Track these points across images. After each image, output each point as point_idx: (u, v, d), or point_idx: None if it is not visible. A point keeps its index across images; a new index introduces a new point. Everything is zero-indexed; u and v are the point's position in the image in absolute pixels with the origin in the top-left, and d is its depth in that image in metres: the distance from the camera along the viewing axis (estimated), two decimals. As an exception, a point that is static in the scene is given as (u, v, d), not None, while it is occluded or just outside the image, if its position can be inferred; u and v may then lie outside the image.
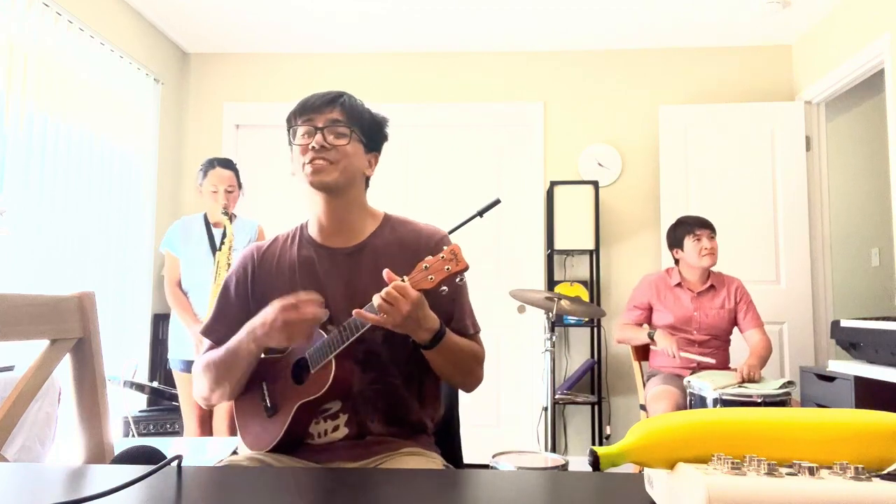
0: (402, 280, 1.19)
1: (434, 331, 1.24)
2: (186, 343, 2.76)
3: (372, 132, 1.39)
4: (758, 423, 0.66)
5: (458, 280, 1.23)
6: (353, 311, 1.19)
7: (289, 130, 1.38)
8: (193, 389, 1.41)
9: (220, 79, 4.24)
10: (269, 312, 1.22)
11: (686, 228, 3.00)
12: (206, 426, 2.79)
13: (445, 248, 1.20)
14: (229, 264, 2.66)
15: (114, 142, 3.42)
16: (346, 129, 1.33)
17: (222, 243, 2.70)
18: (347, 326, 1.23)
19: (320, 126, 1.31)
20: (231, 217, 2.80)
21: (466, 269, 1.19)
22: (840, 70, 3.48)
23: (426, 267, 1.19)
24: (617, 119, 4.09)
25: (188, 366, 2.76)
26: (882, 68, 3.23)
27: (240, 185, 2.88)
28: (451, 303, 1.36)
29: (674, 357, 2.81)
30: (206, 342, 1.42)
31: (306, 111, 1.33)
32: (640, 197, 4.04)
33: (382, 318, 1.17)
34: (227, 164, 2.85)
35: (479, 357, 1.39)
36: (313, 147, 1.29)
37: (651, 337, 2.93)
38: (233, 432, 2.78)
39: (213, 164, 2.82)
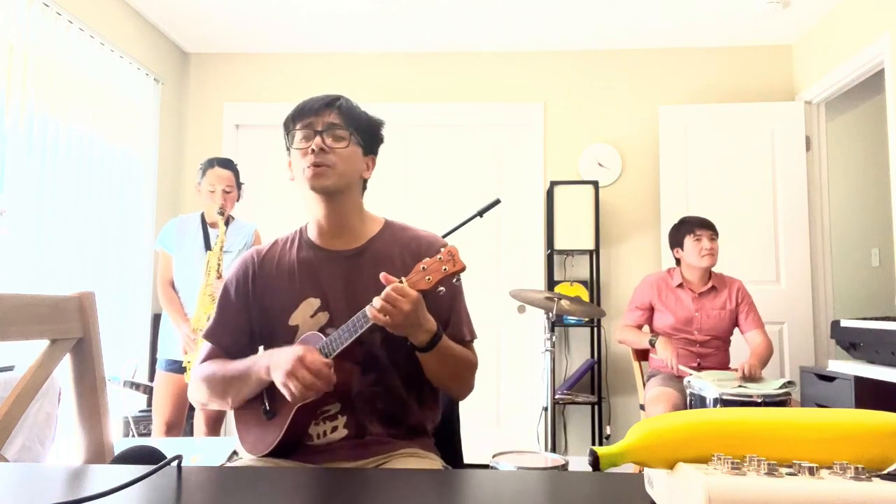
0: (401, 281, 1.19)
1: (433, 332, 1.24)
2: (175, 342, 2.73)
3: (369, 134, 1.39)
4: (758, 423, 0.66)
5: (454, 281, 1.23)
6: (367, 308, 1.19)
7: (286, 135, 1.37)
8: (191, 393, 1.40)
9: (220, 79, 4.24)
10: (292, 355, 1.19)
11: (687, 228, 3.00)
12: (174, 430, 2.75)
13: (443, 249, 1.21)
14: (219, 265, 2.63)
15: (114, 142, 3.42)
16: (344, 132, 1.33)
17: (214, 244, 2.69)
18: (346, 328, 1.23)
19: (319, 129, 1.31)
20: (228, 219, 2.77)
21: (463, 269, 1.20)
22: (840, 70, 3.47)
23: (424, 268, 1.20)
24: (617, 119, 4.09)
25: (172, 365, 2.73)
26: (882, 68, 3.23)
27: (239, 186, 2.85)
28: (448, 309, 1.36)
29: (672, 369, 2.81)
30: (206, 346, 1.41)
31: (304, 115, 1.33)
32: (640, 197, 4.04)
33: (384, 319, 1.18)
34: (227, 164, 2.83)
35: (473, 365, 1.38)
36: (312, 150, 1.29)
37: (652, 344, 2.93)
38: (211, 433, 2.75)
39: (212, 163, 2.80)
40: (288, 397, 1.19)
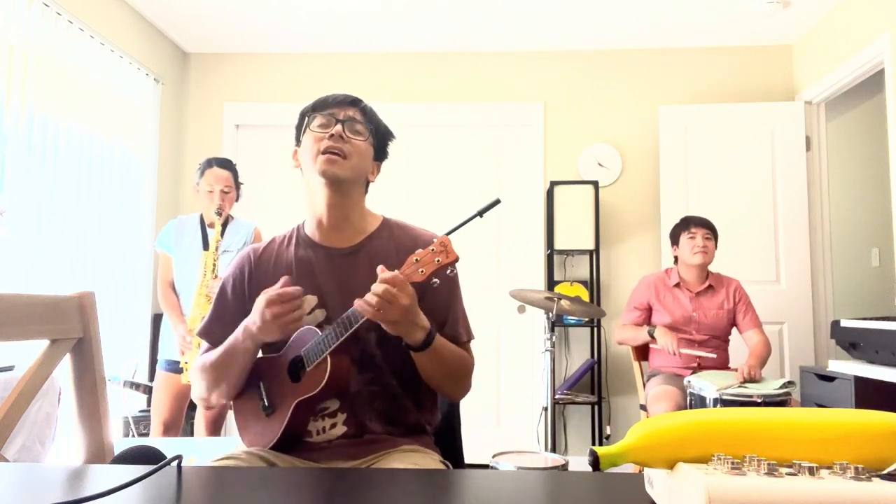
0: None
1: (427, 330, 1.23)
2: (173, 343, 2.73)
3: (382, 142, 1.42)
4: (758, 423, 0.66)
5: (448, 272, 1.22)
6: (355, 302, 1.18)
7: (302, 123, 1.38)
8: (192, 391, 1.41)
9: (220, 79, 4.24)
10: (259, 308, 1.22)
11: (683, 226, 3.05)
12: (171, 430, 2.75)
13: (435, 240, 1.19)
14: (215, 265, 2.63)
15: (114, 142, 3.42)
16: (363, 129, 1.35)
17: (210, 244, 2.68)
18: (342, 322, 1.22)
19: (341, 118, 1.33)
20: (227, 219, 2.76)
21: (457, 260, 1.18)
22: (840, 70, 3.47)
23: (417, 260, 1.18)
24: (617, 119, 4.09)
25: (171, 365, 2.73)
26: (882, 68, 3.23)
27: (238, 186, 2.83)
28: (444, 308, 1.36)
29: (674, 354, 2.81)
30: (205, 344, 1.42)
31: (326, 105, 1.35)
32: (640, 197, 4.04)
33: (380, 315, 1.16)
34: (226, 164, 2.81)
35: (469, 366, 1.37)
36: (331, 135, 1.30)
37: (651, 334, 2.94)
38: (211, 433, 2.75)
39: (210, 163, 2.78)
40: (278, 335, 1.23)
